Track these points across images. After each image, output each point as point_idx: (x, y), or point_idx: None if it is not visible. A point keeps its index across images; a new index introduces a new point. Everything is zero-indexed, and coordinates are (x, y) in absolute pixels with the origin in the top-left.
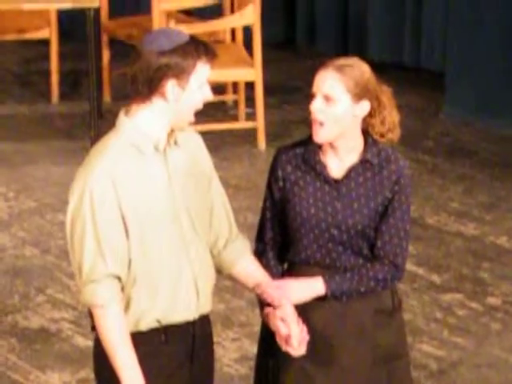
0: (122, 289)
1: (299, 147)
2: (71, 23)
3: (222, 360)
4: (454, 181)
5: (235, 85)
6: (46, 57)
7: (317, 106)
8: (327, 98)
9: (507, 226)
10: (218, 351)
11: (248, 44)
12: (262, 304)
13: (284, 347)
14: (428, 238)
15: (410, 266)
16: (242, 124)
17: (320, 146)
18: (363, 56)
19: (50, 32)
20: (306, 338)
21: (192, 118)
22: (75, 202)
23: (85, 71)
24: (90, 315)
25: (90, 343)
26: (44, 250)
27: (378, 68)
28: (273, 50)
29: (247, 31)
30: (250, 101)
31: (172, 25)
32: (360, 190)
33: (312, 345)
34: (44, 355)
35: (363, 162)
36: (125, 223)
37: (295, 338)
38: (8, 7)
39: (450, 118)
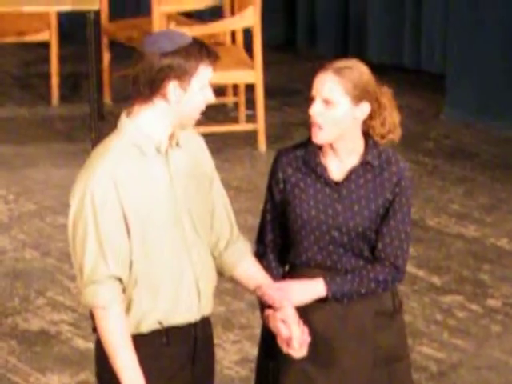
0: (124, 290)
1: (299, 149)
2: (71, 26)
3: (223, 362)
4: (455, 183)
5: (235, 87)
6: (46, 59)
7: (316, 110)
8: (326, 102)
9: (508, 227)
10: (219, 353)
11: (248, 46)
12: (263, 306)
13: (285, 349)
14: (428, 239)
15: (410, 268)
16: (242, 126)
17: (320, 148)
18: (363, 58)
19: (50, 34)
20: (307, 339)
21: (194, 120)
22: (77, 203)
23: (85, 73)
24: (91, 317)
25: (90, 345)
26: (44, 253)
27: (378, 70)
28: (273, 52)
29: (247, 33)
30: (251, 103)
31: (172, 27)
32: (361, 191)
33: (313, 347)
34: (44, 357)
35: (364, 163)
36: (126, 224)
37: (296, 340)
38: (8, 10)
39: (451, 119)
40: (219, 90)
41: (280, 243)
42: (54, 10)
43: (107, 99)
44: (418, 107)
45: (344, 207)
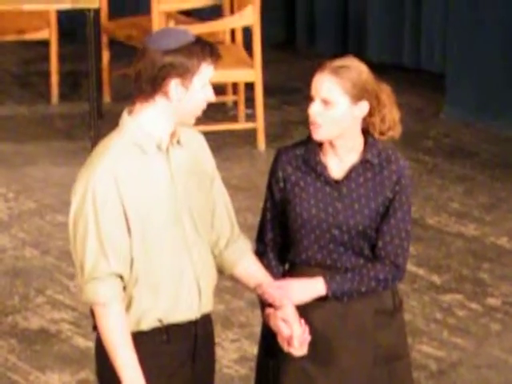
0: (124, 288)
1: (299, 148)
2: (71, 24)
3: (222, 361)
4: (455, 181)
5: (235, 86)
6: (46, 57)
7: (315, 110)
8: (325, 102)
9: (507, 226)
10: (218, 352)
11: (248, 45)
12: (263, 304)
13: (286, 348)
14: (428, 238)
15: (410, 267)
16: (241, 125)
17: (320, 147)
18: (363, 57)
19: (49, 33)
20: (308, 338)
21: (195, 118)
22: (78, 201)
23: (84, 72)
24: (92, 315)
25: (90, 344)
26: (44, 251)
27: (378, 69)
28: (272, 50)
29: (247, 32)
30: (250, 102)
31: (171, 25)
32: (360, 190)
33: (313, 345)
34: (44, 356)
35: (363, 162)
36: (127, 222)
37: (297, 339)
38: (8, 8)
39: (451, 118)
40: (219, 89)
41: (280, 242)
42: (53, 8)
43: (107, 98)
44: (417, 106)
45: (344, 206)
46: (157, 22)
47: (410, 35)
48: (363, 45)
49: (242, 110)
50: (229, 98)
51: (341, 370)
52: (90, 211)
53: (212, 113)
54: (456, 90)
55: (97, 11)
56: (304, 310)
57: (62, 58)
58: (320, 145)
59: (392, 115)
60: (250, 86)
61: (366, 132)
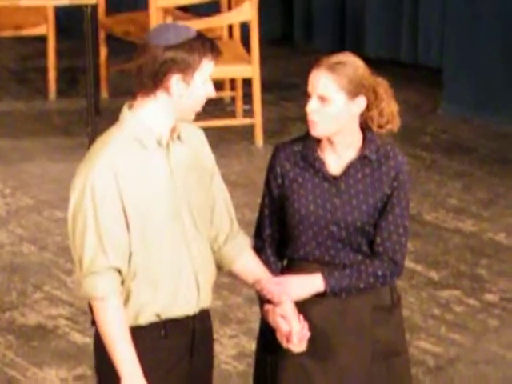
0: (122, 282)
1: (297, 144)
2: (68, 20)
3: (220, 357)
4: (452, 177)
5: (233, 81)
6: (43, 53)
7: (313, 107)
8: (322, 98)
9: (505, 222)
10: (216, 348)
11: (245, 40)
12: (262, 300)
13: (285, 344)
14: (426, 234)
15: (407, 263)
16: (239, 121)
17: (318, 142)
18: (360, 52)
19: (47, 28)
20: (307, 334)
21: (195, 114)
22: (77, 196)
23: (82, 68)
24: (90, 310)
25: (87, 340)
26: (41, 247)
27: (376, 64)
28: (270, 46)
29: (244, 28)
30: (248, 97)
31: (169, 21)
32: (359, 186)
33: (311, 341)
34: (41, 352)
35: (362, 158)
36: (126, 217)
37: (296, 335)
38: (5, 3)
39: (448, 114)
40: (216, 85)
41: (278, 238)
42: (51, 3)
43: (104, 93)
44: (415, 102)
45: (342, 202)
46: (154, 18)
47: (408, 31)
48: (361, 40)
49: (239, 105)
50: (226, 94)
51: (339, 366)
52: (89, 206)
53: (210, 109)
54: (454, 86)
55: (94, 7)
56: (302, 306)
57: (59, 54)
58: (318, 141)
59: (390, 108)
60: (247, 82)
61: (364, 128)
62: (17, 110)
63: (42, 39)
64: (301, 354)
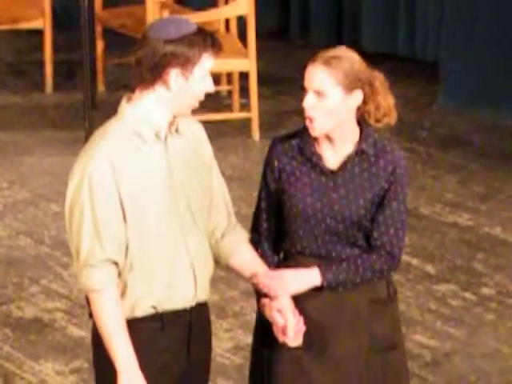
0: (119, 274)
1: (294, 138)
2: (65, 13)
3: (216, 350)
4: (449, 171)
5: (229, 75)
6: (40, 47)
7: (309, 102)
8: (318, 93)
9: (502, 216)
10: (212, 341)
11: (242, 34)
12: (259, 294)
13: (281, 338)
14: (422, 228)
15: (404, 257)
16: (236, 114)
17: (315, 137)
18: (357, 46)
19: (43, 22)
20: (303, 328)
21: (191, 109)
22: (74, 186)
23: (79, 61)
24: (88, 303)
25: (84, 333)
26: (38, 240)
27: (372, 58)
28: (266, 40)
29: (241, 21)
30: (244, 91)
31: (165, 15)
32: (356, 180)
33: (307, 335)
34: (38, 345)
35: (359, 152)
36: (123, 209)
37: (292, 329)
38: None
39: (445, 108)
40: (213, 78)
41: (275, 231)
42: None
43: (101, 87)
44: (412, 96)
45: (339, 196)
46: (151, 12)
47: (405, 25)
48: (358, 34)
49: (236, 99)
50: (223, 88)
51: (335, 360)
52: (86, 197)
53: (206, 102)
54: (450, 80)
55: (91, 0)
56: (299, 300)
57: (56, 48)
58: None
59: (387, 102)
60: (244, 76)
61: (361, 122)
62: (13, 104)
63: (39, 32)
64: (297, 348)
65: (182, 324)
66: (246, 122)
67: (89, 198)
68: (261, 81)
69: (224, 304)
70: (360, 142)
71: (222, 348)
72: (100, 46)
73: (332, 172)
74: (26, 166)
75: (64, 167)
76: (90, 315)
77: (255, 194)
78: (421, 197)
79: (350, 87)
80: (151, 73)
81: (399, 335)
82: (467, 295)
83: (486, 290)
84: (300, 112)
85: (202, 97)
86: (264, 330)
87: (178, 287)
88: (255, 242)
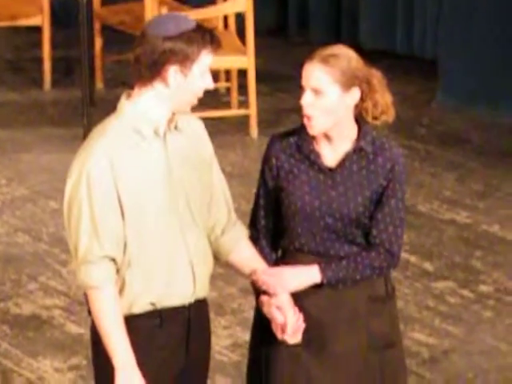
0: (117, 271)
1: (293, 136)
2: (64, 10)
3: (215, 347)
4: (447, 169)
5: (228, 72)
6: (39, 44)
7: (307, 101)
8: (316, 91)
9: (500, 214)
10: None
11: (240, 31)
12: (257, 291)
13: (280, 335)
14: (420, 225)
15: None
16: (234, 112)
17: (313, 135)
18: (355, 44)
19: (42, 19)
20: (302, 326)
21: (190, 106)
22: (73, 183)
23: (77, 58)
24: (86, 300)
25: (82, 330)
26: (36, 238)
27: (370, 56)
28: (265, 37)
29: (239, 19)
30: (243, 88)
31: (164, 12)
32: (354, 178)
33: (306, 332)
34: (36, 342)
35: (357, 150)
36: (121, 206)
37: (291, 327)
38: None
39: (443, 105)
40: (212, 75)
41: (273, 228)
42: None
43: (99, 84)
44: (410, 93)
45: (338, 194)
46: (149, 8)
47: (403, 22)
48: (356, 32)
49: (234, 96)
50: (222, 85)
51: (334, 357)
52: (85, 194)
53: (205, 99)
54: (449, 77)
55: None
56: (297, 297)
57: (54, 45)
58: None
59: (384, 99)
60: (242, 73)
61: (359, 119)
62: (12, 101)
63: (38, 29)
64: (296, 345)
65: (180, 321)
66: (245, 120)
67: (87, 194)
68: (259, 78)
69: (222, 301)
70: (358, 139)
71: (220, 345)
72: (98, 42)
73: (330, 170)
74: (24, 163)
75: (62, 164)
76: (89, 312)
77: (254, 190)
78: (419, 194)
79: (347, 85)
80: (150, 70)
81: (397, 332)
82: (465, 292)
83: (483, 288)
84: (298, 109)
85: (200, 94)
86: (262, 327)
87: (176, 284)
88: (253, 239)
